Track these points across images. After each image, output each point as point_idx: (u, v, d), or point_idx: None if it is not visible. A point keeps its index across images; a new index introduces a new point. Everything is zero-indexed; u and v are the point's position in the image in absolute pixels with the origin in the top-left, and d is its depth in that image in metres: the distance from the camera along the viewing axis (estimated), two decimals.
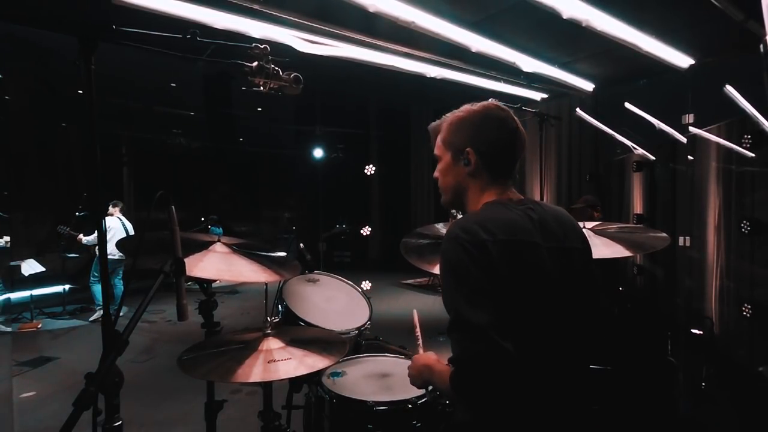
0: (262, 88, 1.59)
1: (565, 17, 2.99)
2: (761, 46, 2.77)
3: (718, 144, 3.51)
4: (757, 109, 3.06)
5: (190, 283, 1.35)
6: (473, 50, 3.63)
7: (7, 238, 6.08)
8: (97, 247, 6.13)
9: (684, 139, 3.89)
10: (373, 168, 8.39)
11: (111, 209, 6.55)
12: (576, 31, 3.21)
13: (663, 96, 4.29)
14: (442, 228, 2.34)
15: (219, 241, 1.83)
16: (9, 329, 5.82)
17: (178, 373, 1.47)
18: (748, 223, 3.14)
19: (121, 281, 6.53)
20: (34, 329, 6.04)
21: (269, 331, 1.67)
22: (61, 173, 8.90)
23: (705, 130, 3.62)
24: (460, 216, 1.53)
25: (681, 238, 3.84)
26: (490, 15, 3.38)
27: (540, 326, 1.06)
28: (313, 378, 1.81)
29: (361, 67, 4.01)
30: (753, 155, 3.21)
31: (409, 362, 1.29)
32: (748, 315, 3.16)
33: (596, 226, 2.31)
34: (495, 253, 1.01)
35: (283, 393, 2.09)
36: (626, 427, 2.86)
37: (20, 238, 7.32)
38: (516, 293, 1.03)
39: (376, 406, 1.61)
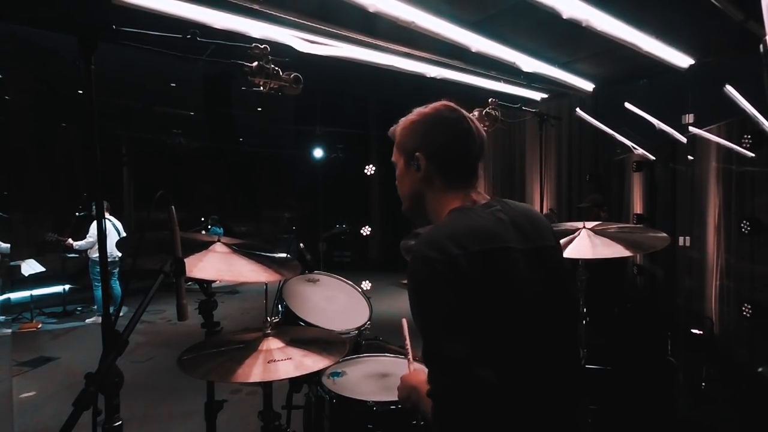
0: (262, 88, 1.59)
1: (565, 17, 2.99)
2: (761, 46, 2.77)
3: (718, 144, 3.51)
4: (757, 109, 3.07)
5: (190, 283, 1.35)
6: (473, 50, 3.63)
7: (8, 245, 6.06)
8: (89, 251, 6.16)
9: (684, 139, 3.89)
10: (373, 168, 8.39)
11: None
12: (576, 31, 3.21)
13: (663, 96, 4.29)
14: None
15: (219, 241, 1.83)
16: (9, 329, 5.82)
17: (178, 373, 1.47)
18: (748, 223, 3.15)
19: (117, 282, 6.53)
20: (34, 329, 6.05)
21: (269, 331, 1.67)
22: (61, 173, 8.91)
23: (705, 130, 3.62)
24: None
25: (681, 238, 3.84)
26: (490, 15, 3.38)
27: (523, 339, 0.99)
28: (313, 378, 1.80)
29: (361, 67, 4.01)
30: (753, 155, 3.21)
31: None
32: (748, 315, 3.17)
33: (596, 226, 2.31)
34: (469, 270, 0.94)
35: (283, 393, 2.09)
36: (626, 427, 2.86)
37: (20, 238, 7.32)
38: (495, 310, 0.96)
39: (376, 406, 1.61)
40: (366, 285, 6.75)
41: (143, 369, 4.51)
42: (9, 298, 6.34)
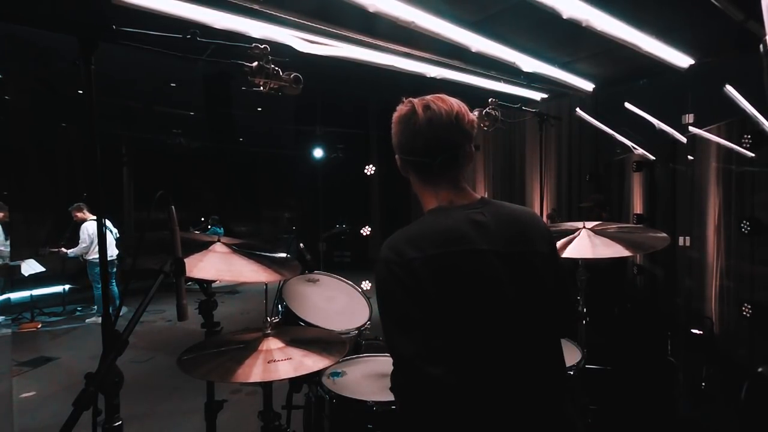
0: (262, 88, 1.59)
1: (565, 17, 2.99)
2: (761, 46, 2.77)
3: (718, 144, 3.51)
4: (757, 109, 3.06)
5: (190, 283, 1.35)
6: (473, 50, 3.62)
7: (8, 242, 6.07)
8: (83, 256, 6.17)
9: (684, 139, 3.89)
10: (373, 168, 8.38)
11: (83, 214, 6.29)
12: (576, 31, 3.21)
13: (663, 96, 4.29)
14: None
15: (219, 241, 1.83)
16: (9, 329, 5.82)
17: (178, 373, 1.47)
18: (748, 223, 3.14)
19: (114, 282, 6.52)
20: (34, 329, 6.05)
21: (269, 331, 1.67)
22: (61, 173, 8.91)
23: (705, 130, 3.62)
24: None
25: (681, 238, 3.84)
26: (490, 15, 3.38)
27: (485, 340, 1.00)
28: (313, 378, 1.80)
29: (361, 67, 4.01)
30: (753, 155, 3.21)
31: None
32: (748, 315, 3.16)
33: (596, 226, 2.31)
34: (423, 273, 0.96)
35: (283, 393, 2.09)
36: (626, 427, 2.86)
37: (20, 238, 7.32)
38: (452, 311, 0.98)
39: (376, 406, 1.61)
40: (366, 285, 6.73)
41: (143, 369, 4.51)
42: (9, 298, 6.34)
